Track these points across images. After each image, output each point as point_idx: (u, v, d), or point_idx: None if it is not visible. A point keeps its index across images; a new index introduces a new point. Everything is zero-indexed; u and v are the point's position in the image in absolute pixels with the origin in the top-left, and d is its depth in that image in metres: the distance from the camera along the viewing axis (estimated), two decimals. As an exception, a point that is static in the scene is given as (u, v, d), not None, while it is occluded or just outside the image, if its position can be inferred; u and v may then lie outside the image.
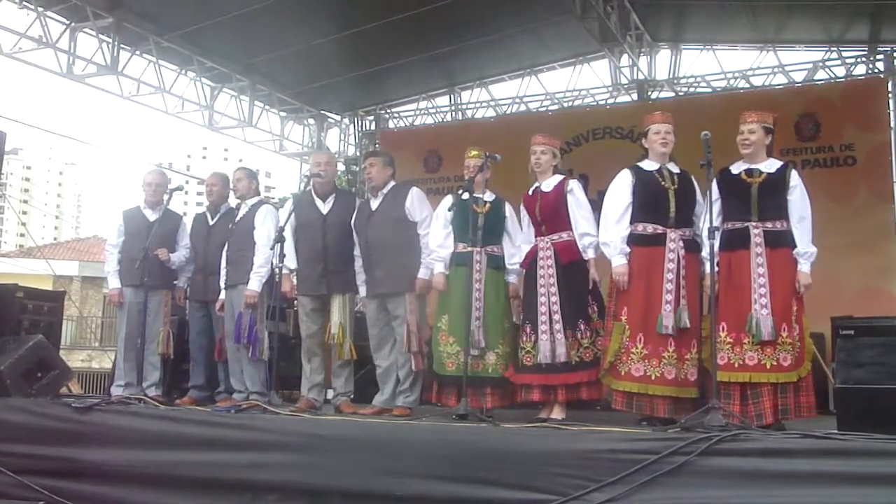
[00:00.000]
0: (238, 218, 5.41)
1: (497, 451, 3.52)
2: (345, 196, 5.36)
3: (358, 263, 4.98)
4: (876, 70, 8.10)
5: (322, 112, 10.42)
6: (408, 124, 10.34)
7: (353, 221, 5.03)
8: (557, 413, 4.33)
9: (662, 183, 4.24)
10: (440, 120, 10.14)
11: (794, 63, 8.56)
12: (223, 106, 9.39)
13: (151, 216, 5.61)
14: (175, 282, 5.73)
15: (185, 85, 8.92)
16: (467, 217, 4.59)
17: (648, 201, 4.23)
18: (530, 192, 4.63)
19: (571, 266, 4.39)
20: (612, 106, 9.25)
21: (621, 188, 4.29)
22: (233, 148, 75.75)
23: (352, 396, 5.17)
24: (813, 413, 3.96)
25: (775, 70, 8.56)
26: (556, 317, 4.35)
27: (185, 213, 6.68)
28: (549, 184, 4.56)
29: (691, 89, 9.02)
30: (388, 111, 10.46)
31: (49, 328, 5.69)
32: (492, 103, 9.91)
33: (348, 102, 10.29)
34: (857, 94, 7.82)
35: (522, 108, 9.71)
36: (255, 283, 5.11)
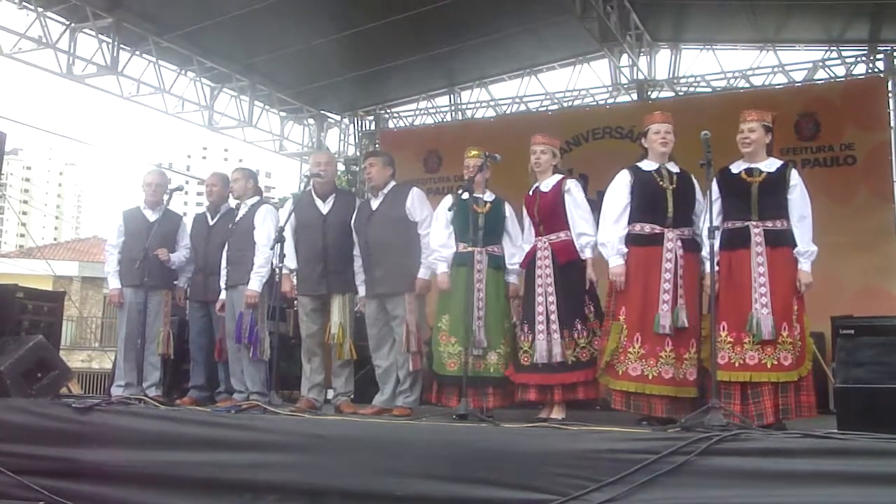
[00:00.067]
0: (238, 218, 5.41)
1: (497, 451, 3.52)
2: (345, 196, 5.36)
3: (357, 263, 4.98)
4: (876, 69, 8.09)
5: (322, 112, 10.42)
6: (408, 124, 10.33)
7: (352, 221, 5.03)
8: (557, 413, 4.33)
9: (661, 183, 4.24)
10: (440, 120, 10.14)
11: (794, 63, 8.55)
12: (223, 106, 9.41)
13: (151, 216, 5.61)
14: (175, 282, 5.73)
15: (184, 85, 8.93)
16: (468, 217, 4.59)
17: (646, 201, 4.23)
18: (530, 192, 4.64)
19: (569, 266, 4.40)
20: (611, 106, 9.25)
21: (619, 189, 4.29)
22: (233, 148, 75.81)
23: (352, 396, 5.17)
24: (813, 413, 3.96)
25: (775, 70, 8.55)
26: (553, 317, 4.35)
27: (185, 214, 6.68)
28: (547, 184, 4.56)
29: (691, 89, 9.02)
30: (388, 111, 10.45)
31: (49, 328, 5.69)
32: (492, 103, 9.91)
33: (348, 102, 10.29)
34: (857, 94, 7.82)
35: (522, 108, 9.70)
36: (255, 284, 5.11)
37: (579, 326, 4.35)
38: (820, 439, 3.17)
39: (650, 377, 4.07)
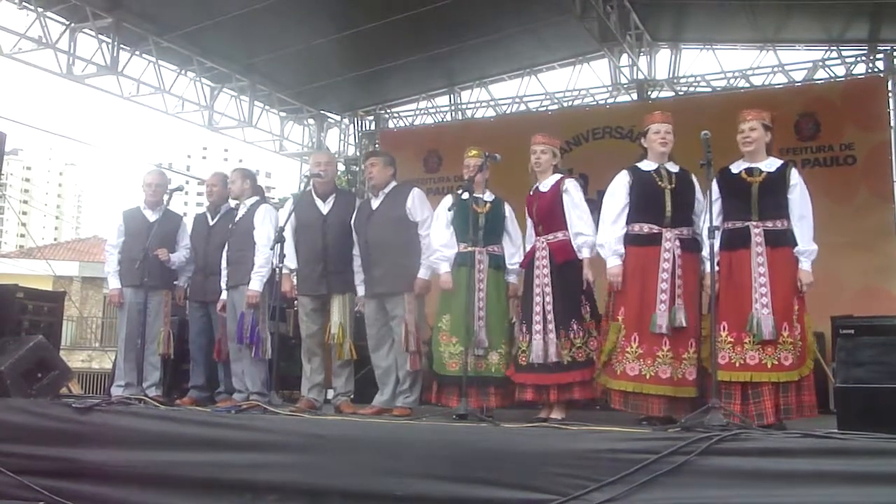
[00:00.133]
0: (237, 218, 5.42)
1: (497, 451, 3.52)
2: (345, 196, 5.36)
3: (357, 263, 4.98)
4: (876, 69, 8.09)
5: (322, 112, 10.42)
6: (408, 124, 10.33)
7: (353, 221, 5.03)
8: (557, 413, 4.33)
9: (659, 183, 4.24)
10: (440, 120, 10.14)
11: (794, 62, 8.56)
12: (223, 106, 9.41)
13: (151, 216, 5.61)
14: (175, 282, 5.73)
15: (184, 85, 8.93)
16: (468, 217, 4.59)
17: (645, 201, 4.24)
18: (531, 192, 4.64)
19: (566, 266, 4.39)
20: (611, 105, 9.25)
21: (618, 189, 4.30)
22: (233, 148, 75.86)
23: (352, 396, 5.17)
24: (815, 412, 3.96)
25: (775, 69, 8.56)
26: (550, 317, 4.35)
27: (185, 214, 6.69)
28: (546, 184, 4.56)
29: (691, 89, 9.02)
30: (388, 111, 10.45)
31: (49, 328, 5.69)
32: (491, 103, 9.91)
33: (348, 102, 10.29)
34: (857, 94, 7.82)
35: (522, 107, 9.70)
36: (256, 284, 5.11)
37: (575, 326, 4.34)
38: (820, 439, 3.17)
39: (647, 377, 4.07)
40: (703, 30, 8.77)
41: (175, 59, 8.62)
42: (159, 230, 5.44)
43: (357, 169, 10.26)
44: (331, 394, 5.19)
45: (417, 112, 10.27)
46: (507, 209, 4.79)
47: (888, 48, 7.95)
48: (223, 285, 5.32)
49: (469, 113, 9.97)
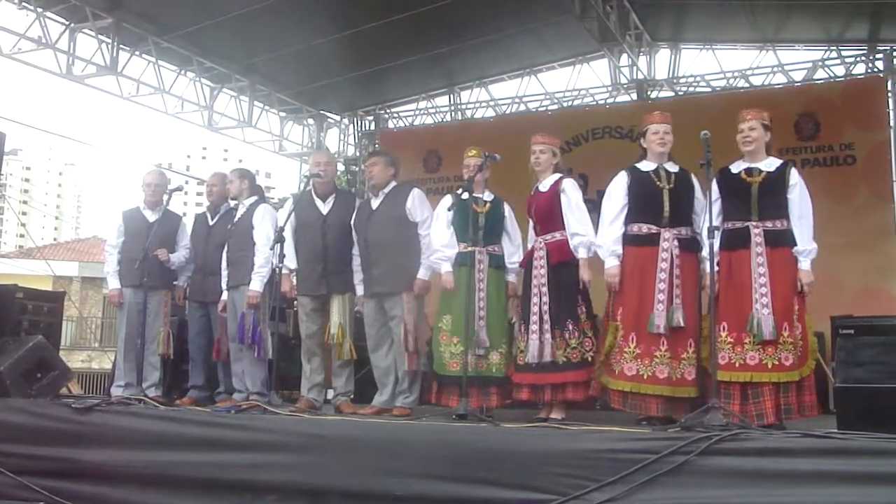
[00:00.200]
0: (236, 218, 5.41)
1: (497, 451, 3.52)
2: (345, 196, 5.36)
3: (356, 262, 4.98)
4: (875, 69, 8.10)
5: (321, 112, 10.42)
6: (407, 124, 10.33)
7: (352, 220, 5.03)
8: (557, 413, 4.34)
9: (658, 183, 4.24)
10: (440, 120, 10.14)
11: (794, 62, 8.56)
12: (223, 106, 9.40)
13: (151, 217, 5.61)
14: (175, 282, 5.73)
15: (184, 85, 8.93)
16: (467, 217, 4.59)
17: (643, 202, 4.24)
18: (532, 193, 4.65)
19: (562, 266, 4.40)
20: (611, 105, 9.26)
21: (617, 190, 4.31)
22: (232, 148, 75.84)
23: (352, 396, 5.17)
24: (816, 412, 3.96)
25: (775, 69, 8.56)
26: (546, 317, 4.36)
27: (184, 214, 6.69)
28: (546, 183, 4.57)
29: (691, 89, 9.03)
30: (388, 111, 10.45)
31: (49, 329, 5.69)
32: (491, 103, 9.91)
33: (348, 102, 10.29)
34: (857, 94, 7.82)
35: (522, 107, 9.70)
36: (256, 284, 5.11)
37: (570, 327, 4.34)
38: (820, 439, 3.17)
39: (645, 377, 4.08)
40: (703, 30, 8.77)
41: (175, 59, 8.62)
42: (159, 230, 5.44)
43: (357, 169, 10.26)
44: (331, 394, 5.19)
45: (417, 112, 10.27)
46: (507, 209, 4.80)
47: (888, 48, 7.95)
48: (223, 285, 5.32)
49: (469, 113, 9.97)
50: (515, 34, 8.51)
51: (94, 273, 19.18)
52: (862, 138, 7.55)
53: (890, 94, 7.81)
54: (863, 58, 8.20)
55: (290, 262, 5.02)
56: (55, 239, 63.19)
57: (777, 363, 3.89)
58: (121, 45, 7.94)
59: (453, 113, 10.07)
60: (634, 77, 8.87)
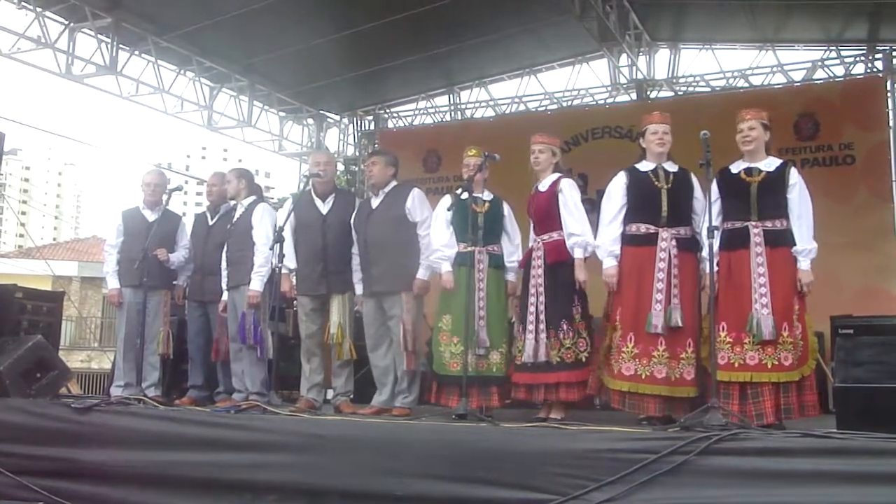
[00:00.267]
0: (235, 218, 5.41)
1: (496, 451, 3.52)
2: (344, 196, 5.36)
3: (355, 262, 4.98)
4: (875, 69, 8.10)
5: (321, 112, 10.41)
6: (407, 124, 10.33)
7: (352, 220, 5.03)
8: (556, 413, 4.34)
9: (656, 183, 4.25)
10: (439, 120, 10.13)
11: (793, 62, 8.55)
12: (222, 106, 9.40)
13: (150, 216, 5.61)
14: (175, 281, 5.73)
15: (184, 85, 8.92)
16: (467, 217, 4.59)
17: (642, 202, 4.24)
18: (532, 192, 4.65)
19: (558, 266, 4.40)
20: (611, 105, 9.26)
21: (615, 190, 4.31)
22: (232, 148, 75.85)
23: (351, 396, 5.17)
24: (817, 412, 3.96)
25: (774, 69, 8.56)
26: (542, 316, 4.36)
27: (184, 214, 6.69)
28: (545, 183, 4.57)
29: (690, 89, 9.02)
30: (388, 111, 10.45)
31: (48, 328, 5.69)
32: (491, 103, 9.91)
33: (347, 102, 10.29)
34: (856, 94, 7.82)
35: (521, 107, 9.70)
36: (257, 283, 5.10)
37: (565, 327, 4.34)
38: (819, 439, 3.17)
39: (643, 377, 4.08)
40: (703, 30, 8.77)
41: (174, 58, 8.61)
42: (158, 230, 5.44)
43: (356, 169, 10.26)
44: (330, 394, 5.19)
45: (417, 112, 10.27)
46: (506, 208, 4.80)
47: (887, 48, 7.95)
48: (224, 286, 5.31)
49: (468, 113, 9.97)
50: (515, 34, 8.51)
51: (93, 273, 19.17)
52: (861, 138, 7.55)
53: (889, 94, 7.81)
54: (862, 58, 8.20)
55: (290, 261, 5.02)
56: (54, 239, 63.12)
57: (777, 363, 3.89)
58: (120, 45, 7.94)
59: (453, 113, 10.07)
60: (634, 77, 8.86)
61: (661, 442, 3.26)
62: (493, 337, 4.54)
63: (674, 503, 3.11)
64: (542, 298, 4.39)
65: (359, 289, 4.97)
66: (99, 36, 7.77)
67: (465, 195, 4.59)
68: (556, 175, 4.58)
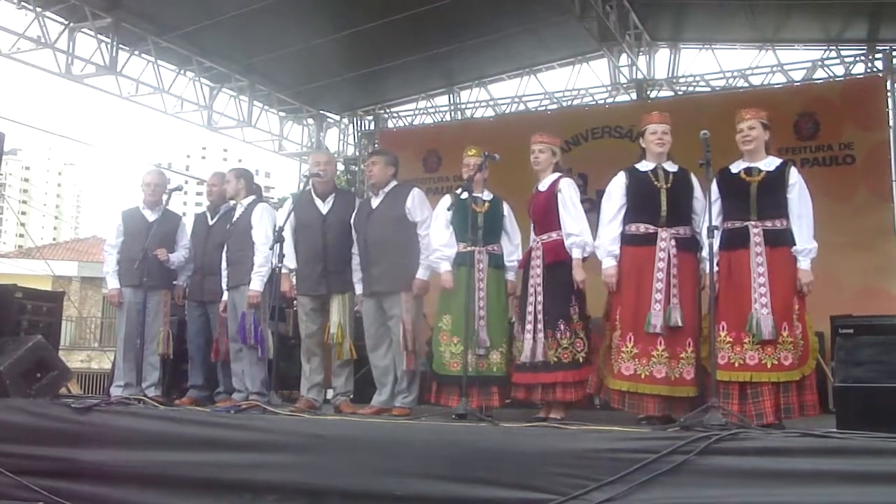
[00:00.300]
0: (235, 218, 5.41)
1: (496, 451, 3.52)
2: (344, 196, 5.36)
3: (355, 261, 4.98)
4: (875, 69, 8.10)
5: (321, 112, 10.41)
6: (407, 124, 10.33)
7: (352, 219, 5.03)
8: (556, 412, 4.34)
9: (655, 183, 4.25)
10: (439, 120, 10.14)
11: (793, 62, 8.56)
12: (222, 106, 9.40)
13: (150, 216, 5.61)
14: (175, 281, 5.73)
15: (183, 85, 8.93)
16: (467, 216, 4.59)
17: (641, 201, 4.25)
18: (532, 192, 4.65)
19: (556, 266, 4.40)
20: (611, 105, 9.26)
21: (615, 191, 4.32)
22: (232, 148, 75.82)
23: (351, 396, 5.17)
24: (817, 411, 3.95)
25: (774, 69, 8.56)
26: (540, 316, 4.36)
27: (184, 214, 6.69)
28: (545, 183, 4.58)
29: (690, 88, 9.03)
30: (388, 111, 10.45)
31: (48, 328, 5.69)
32: (491, 103, 9.91)
33: (347, 102, 10.29)
34: (856, 93, 7.83)
35: (521, 107, 9.70)
36: (257, 283, 5.10)
37: (562, 327, 4.34)
38: (819, 438, 3.17)
39: (642, 376, 4.08)
40: (703, 29, 8.77)
41: (174, 58, 8.62)
42: (158, 230, 5.43)
43: (356, 169, 10.26)
44: (330, 394, 5.19)
45: (417, 112, 10.27)
46: (506, 208, 4.80)
47: (887, 48, 7.95)
48: (224, 286, 5.31)
49: (468, 113, 9.97)
50: (515, 34, 8.51)
51: (93, 273, 19.18)
52: (861, 138, 7.55)
53: (889, 94, 7.81)
54: (862, 57, 8.20)
55: (290, 261, 5.02)
56: (54, 239, 63.13)
57: (776, 363, 3.89)
58: (120, 45, 7.94)
59: (453, 113, 10.07)
60: (634, 77, 8.87)
61: (660, 442, 3.26)
62: (494, 337, 4.54)
63: (673, 503, 3.11)
64: (540, 298, 4.39)
65: (359, 288, 4.97)
66: (99, 36, 7.78)
67: (464, 195, 4.59)
68: (556, 175, 4.58)
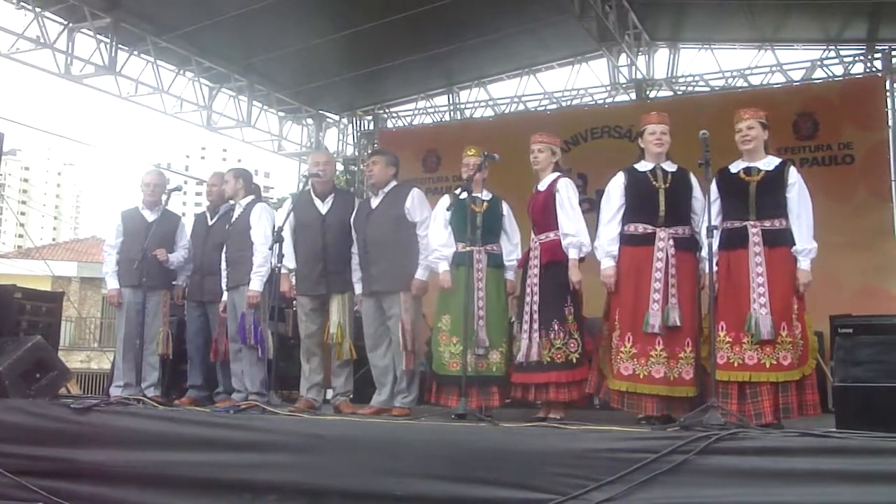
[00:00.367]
0: (234, 218, 5.41)
1: (496, 451, 3.52)
2: (344, 196, 5.36)
3: (355, 261, 4.98)
4: (874, 69, 8.10)
5: (320, 112, 10.41)
6: (406, 124, 10.33)
7: (352, 219, 5.03)
8: (556, 412, 4.34)
9: (654, 183, 4.25)
10: (439, 120, 10.13)
11: (793, 62, 8.56)
12: (221, 106, 9.40)
13: (150, 217, 5.61)
14: (174, 281, 5.73)
15: (183, 85, 8.93)
16: (465, 216, 4.59)
17: (640, 202, 4.25)
18: (533, 192, 4.66)
19: (553, 266, 4.41)
20: (610, 105, 9.26)
21: (614, 191, 4.32)
22: (231, 148, 75.78)
23: (351, 396, 5.17)
24: (818, 411, 3.95)
25: (773, 69, 8.56)
26: (536, 316, 4.37)
27: (183, 214, 6.70)
28: (544, 183, 4.58)
29: (689, 88, 9.03)
30: (387, 111, 10.45)
31: (48, 329, 5.69)
32: (490, 103, 9.91)
33: (347, 102, 10.29)
34: (856, 93, 7.83)
35: (521, 107, 9.70)
36: (256, 283, 5.10)
37: (556, 327, 4.35)
38: (818, 438, 3.17)
39: (641, 376, 4.09)
40: (702, 29, 8.77)
41: (173, 59, 8.61)
42: (158, 230, 5.43)
43: (356, 169, 10.26)
44: (330, 394, 5.19)
45: (416, 112, 10.27)
46: (505, 207, 4.80)
47: (886, 47, 7.96)
48: (223, 286, 5.31)
49: (468, 113, 9.97)
50: (514, 34, 8.51)
51: (92, 273, 19.18)
52: (860, 138, 7.55)
53: (888, 94, 7.82)
54: (861, 57, 8.20)
55: (289, 261, 5.02)
56: (54, 239, 63.07)
57: (775, 363, 3.89)
58: (119, 45, 7.94)
59: (452, 113, 10.07)
60: (633, 77, 8.87)
61: (660, 441, 3.26)
62: (493, 336, 4.54)
63: (673, 502, 3.11)
64: (536, 298, 4.40)
65: (358, 288, 4.97)
66: (98, 36, 7.77)
67: (463, 195, 4.59)
68: (556, 175, 4.58)
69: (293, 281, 5.18)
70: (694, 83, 9.01)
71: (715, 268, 3.90)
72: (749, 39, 8.64)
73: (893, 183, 7.54)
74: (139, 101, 8.66)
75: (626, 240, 4.25)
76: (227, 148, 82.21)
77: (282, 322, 6.10)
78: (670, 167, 4.32)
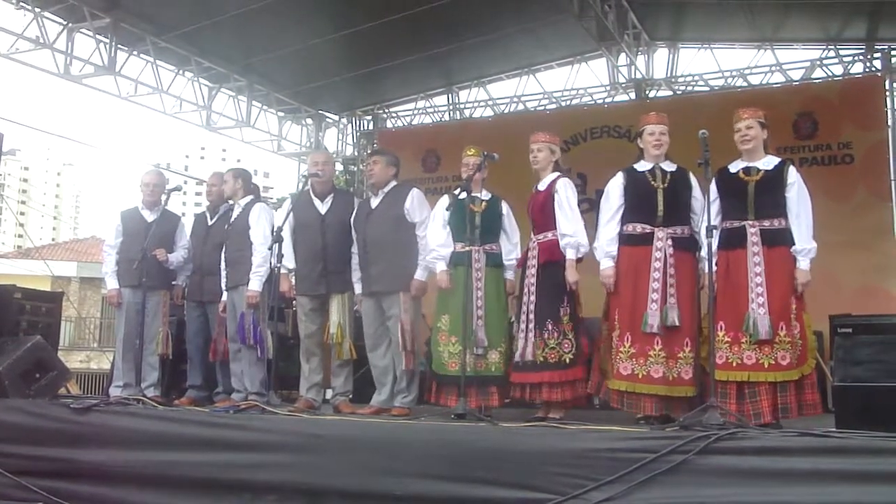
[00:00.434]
0: (233, 218, 5.41)
1: (496, 451, 3.52)
2: (343, 196, 5.36)
3: (354, 261, 4.98)
4: (873, 68, 8.10)
5: (320, 112, 10.41)
6: (406, 124, 10.33)
7: (352, 219, 5.03)
8: (555, 412, 4.34)
9: (652, 182, 4.25)
10: (438, 119, 10.14)
11: (792, 61, 8.57)
12: (221, 106, 9.40)
13: (149, 217, 5.61)
14: (174, 281, 5.73)
15: (182, 85, 8.93)
16: (464, 216, 4.58)
17: (638, 201, 4.25)
18: (532, 192, 4.66)
19: (550, 266, 4.41)
20: (609, 105, 9.27)
21: (613, 191, 4.32)
22: (231, 148, 75.75)
23: (350, 396, 5.17)
24: (818, 410, 3.95)
25: (773, 68, 8.57)
26: (532, 316, 4.37)
27: (183, 214, 6.69)
28: (544, 183, 4.58)
29: (689, 88, 9.03)
30: (386, 111, 10.46)
31: (47, 329, 5.69)
32: (490, 103, 9.91)
33: (346, 102, 10.29)
34: (855, 93, 7.83)
35: (520, 107, 9.71)
36: (255, 283, 5.10)
37: (550, 327, 4.34)
38: (818, 438, 3.17)
39: (640, 376, 4.09)
40: (701, 29, 8.77)
41: (173, 59, 8.61)
42: (157, 230, 5.43)
43: (355, 169, 10.26)
44: (329, 394, 5.19)
45: (415, 112, 10.27)
46: (504, 207, 4.80)
47: (886, 47, 7.97)
48: (223, 286, 5.31)
49: (467, 112, 9.97)
50: (514, 34, 8.52)
51: (92, 273, 19.17)
52: (860, 137, 7.56)
53: (888, 93, 7.83)
54: (861, 57, 8.21)
55: (289, 261, 5.02)
56: (53, 239, 63.05)
57: (774, 362, 3.89)
58: (119, 45, 7.95)
59: (452, 112, 10.07)
60: (633, 76, 8.87)
61: (659, 441, 3.26)
62: (492, 336, 4.54)
63: (672, 502, 3.11)
64: (533, 298, 4.41)
65: (358, 288, 4.97)
66: (97, 36, 7.78)
67: (462, 195, 4.59)
68: (555, 175, 4.58)
69: (293, 281, 5.18)
70: (693, 83, 9.02)
71: (714, 268, 3.90)
72: (748, 39, 8.65)
73: (893, 182, 7.54)
74: (139, 101, 8.66)
75: (624, 240, 4.25)
76: (226, 148, 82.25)
77: (281, 322, 6.10)
78: (669, 167, 4.32)
